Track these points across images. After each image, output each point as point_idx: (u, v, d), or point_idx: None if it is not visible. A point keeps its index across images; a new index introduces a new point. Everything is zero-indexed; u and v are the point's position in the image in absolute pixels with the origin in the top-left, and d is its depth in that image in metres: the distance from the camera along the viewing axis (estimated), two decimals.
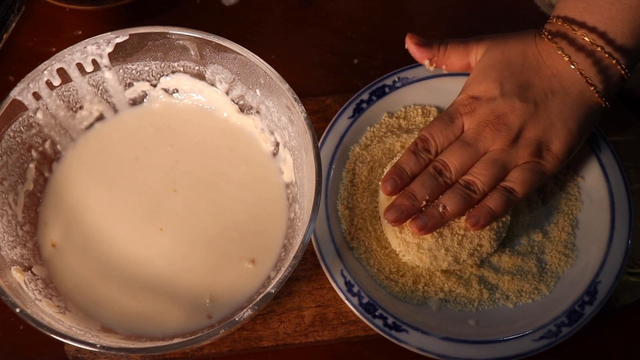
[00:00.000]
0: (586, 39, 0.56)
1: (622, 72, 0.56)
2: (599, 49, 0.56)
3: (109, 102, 0.65)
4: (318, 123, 0.69)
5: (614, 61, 0.56)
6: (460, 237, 0.60)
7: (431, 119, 0.69)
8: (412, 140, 0.67)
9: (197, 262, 0.60)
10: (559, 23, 0.59)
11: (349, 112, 0.68)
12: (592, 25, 0.57)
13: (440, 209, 0.58)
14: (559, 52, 0.58)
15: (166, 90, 0.66)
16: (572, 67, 0.57)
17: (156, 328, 0.58)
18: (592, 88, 0.57)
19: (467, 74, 0.68)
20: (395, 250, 0.62)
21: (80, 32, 0.77)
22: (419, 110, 0.69)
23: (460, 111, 0.61)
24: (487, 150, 0.59)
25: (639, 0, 0.55)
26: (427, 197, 0.59)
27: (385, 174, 0.61)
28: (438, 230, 0.60)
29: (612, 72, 0.57)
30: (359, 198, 0.65)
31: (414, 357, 0.60)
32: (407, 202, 0.59)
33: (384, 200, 0.62)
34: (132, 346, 0.52)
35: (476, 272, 0.63)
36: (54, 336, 0.49)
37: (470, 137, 0.59)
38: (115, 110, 0.66)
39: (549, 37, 0.59)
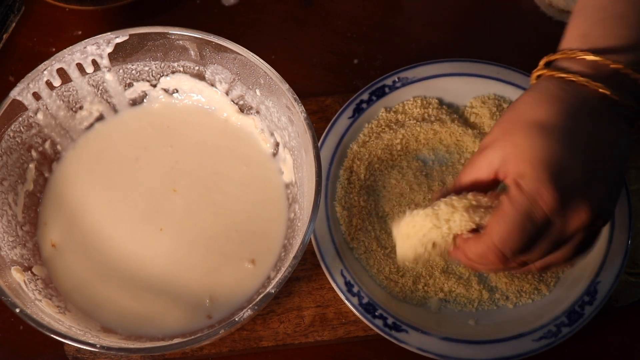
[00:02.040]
0: (594, 58, 0.48)
1: (622, 68, 0.48)
2: (611, 64, 0.48)
3: (109, 103, 0.65)
4: (318, 123, 0.69)
5: (630, 70, 0.48)
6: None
7: (430, 110, 0.69)
8: (410, 133, 0.67)
9: (197, 262, 0.60)
10: (558, 56, 0.51)
11: (349, 112, 0.68)
12: (596, 48, 0.49)
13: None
14: (573, 77, 0.48)
15: (166, 91, 0.66)
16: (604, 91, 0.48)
17: (156, 328, 0.58)
18: (616, 96, 0.48)
19: (473, 74, 0.69)
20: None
21: (80, 32, 0.77)
22: (419, 102, 0.69)
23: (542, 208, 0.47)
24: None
25: (628, 31, 0.49)
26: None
27: None
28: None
29: (628, 81, 0.49)
30: (355, 197, 0.65)
31: (414, 357, 0.60)
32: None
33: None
34: (132, 346, 0.52)
35: (476, 272, 0.63)
36: (54, 336, 0.49)
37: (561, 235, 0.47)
38: (115, 111, 0.66)
39: (556, 71, 0.50)
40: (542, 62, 0.52)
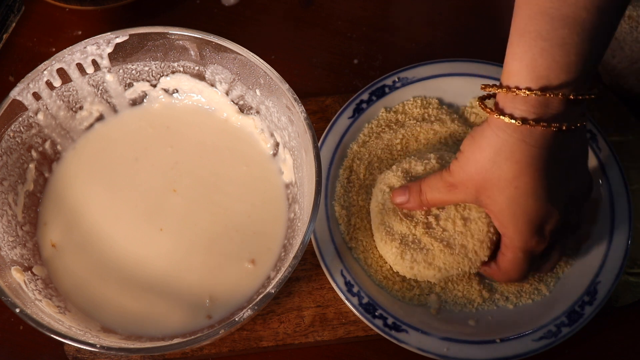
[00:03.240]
0: (537, 96, 0.51)
1: (573, 97, 0.51)
2: (547, 94, 0.51)
3: (109, 103, 0.65)
4: (318, 123, 0.69)
5: (570, 96, 0.51)
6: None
7: (430, 110, 0.69)
8: (410, 133, 0.67)
9: (197, 262, 0.60)
10: (503, 93, 0.53)
11: (349, 112, 0.68)
12: (535, 86, 0.51)
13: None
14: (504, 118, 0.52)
15: (166, 91, 0.66)
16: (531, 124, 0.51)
17: (156, 328, 0.58)
18: (558, 127, 0.51)
19: (473, 74, 0.69)
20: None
21: (80, 32, 0.77)
22: (419, 102, 0.69)
23: None
24: None
25: (573, 57, 0.50)
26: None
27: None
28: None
29: (567, 103, 0.52)
30: (354, 196, 0.65)
31: (414, 357, 0.60)
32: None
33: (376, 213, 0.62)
34: (132, 346, 0.52)
35: (476, 273, 0.63)
36: (54, 336, 0.49)
37: None
38: (115, 111, 0.66)
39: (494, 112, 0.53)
40: (486, 91, 0.55)
